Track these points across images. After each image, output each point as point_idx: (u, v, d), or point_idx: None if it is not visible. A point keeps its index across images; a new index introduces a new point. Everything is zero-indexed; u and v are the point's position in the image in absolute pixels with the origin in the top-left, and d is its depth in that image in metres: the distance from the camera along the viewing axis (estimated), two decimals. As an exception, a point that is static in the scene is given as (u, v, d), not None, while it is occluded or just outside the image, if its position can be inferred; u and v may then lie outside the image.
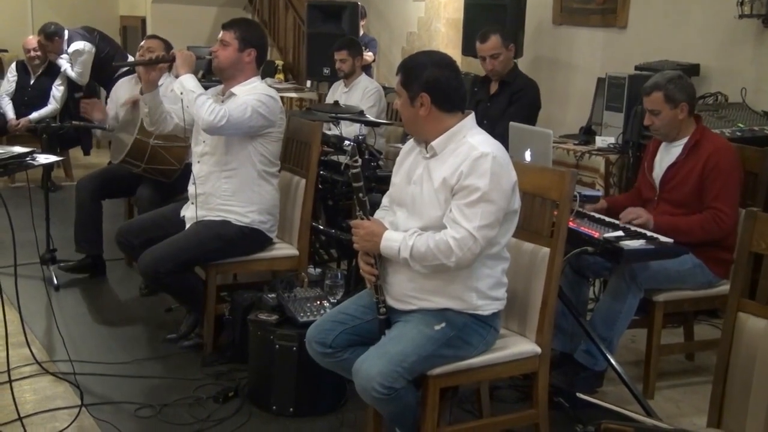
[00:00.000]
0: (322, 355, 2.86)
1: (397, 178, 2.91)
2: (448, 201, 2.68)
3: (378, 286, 2.81)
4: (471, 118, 2.80)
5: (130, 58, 7.25)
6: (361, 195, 2.82)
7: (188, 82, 3.75)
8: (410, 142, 2.92)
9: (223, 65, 3.88)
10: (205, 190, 3.89)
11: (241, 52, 3.86)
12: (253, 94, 3.79)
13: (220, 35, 3.89)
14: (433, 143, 2.75)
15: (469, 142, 2.70)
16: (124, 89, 5.26)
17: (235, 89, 3.87)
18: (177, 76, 3.82)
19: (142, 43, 5.12)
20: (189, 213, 3.95)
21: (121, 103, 5.09)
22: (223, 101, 3.85)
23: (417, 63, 2.78)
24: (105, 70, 7.25)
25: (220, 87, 4.01)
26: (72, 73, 7.41)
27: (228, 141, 3.82)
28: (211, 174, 3.88)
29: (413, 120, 2.79)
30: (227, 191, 3.87)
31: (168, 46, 4.91)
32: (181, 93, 3.75)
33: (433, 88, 2.72)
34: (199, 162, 3.94)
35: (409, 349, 2.65)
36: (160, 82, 4.04)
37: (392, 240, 2.73)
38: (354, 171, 2.81)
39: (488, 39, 4.99)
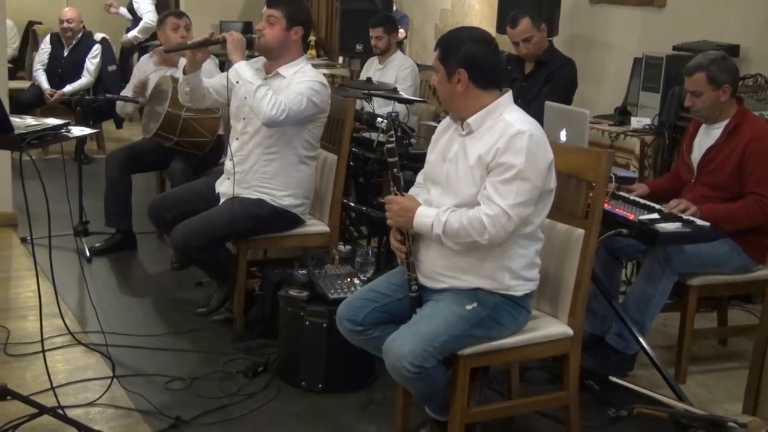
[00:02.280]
0: (353, 333, 2.85)
1: (432, 155, 2.89)
2: (483, 178, 2.66)
3: (410, 263, 2.79)
4: (508, 96, 2.77)
5: None
6: (395, 170, 2.80)
7: (245, 71, 3.63)
8: (446, 120, 2.89)
9: (271, 45, 3.77)
10: (243, 168, 3.85)
11: (288, 31, 3.77)
12: (304, 81, 3.72)
13: (267, 12, 3.78)
14: (469, 120, 2.73)
15: (506, 120, 2.67)
16: (150, 66, 5.28)
17: (281, 70, 3.80)
18: (223, 62, 3.76)
19: (175, 21, 5.10)
20: (224, 188, 3.93)
21: (135, 83, 5.11)
22: (266, 78, 3.79)
23: (455, 38, 2.75)
24: None
25: (261, 60, 3.91)
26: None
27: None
28: (251, 153, 3.84)
29: (450, 96, 2.76)
30: (267, 173, 3.84)
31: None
32: (237, 82, 3.62)
33: (471, 64, 2.69)
34: (238, 139, 3.88)
35: (441, 329, 2.64)
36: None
37: (426, 216, 2.71)
38: (389, 146, 2.80)
39: (518, 23, 4.92)
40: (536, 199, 2.66)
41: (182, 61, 4.89)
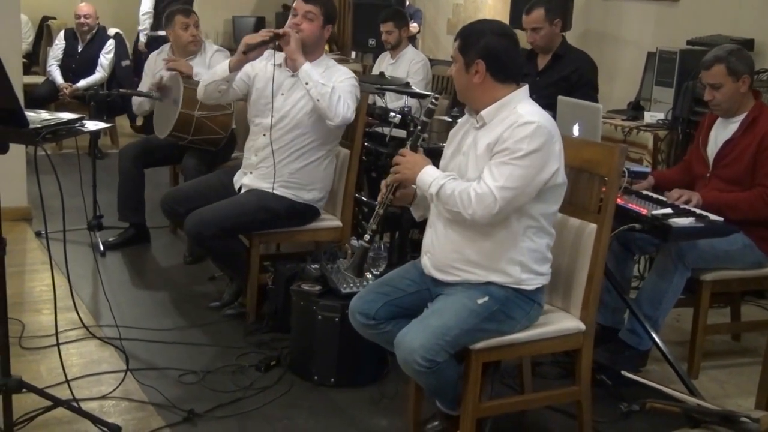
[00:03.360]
0: (365, 327, 2.86)
1: (448, 149, 2.92)
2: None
3: (378, 214, 2.86)
4: (524, 90, 2.78)
5: None
6: (418, 129, 2.88)
7: (314, 73, 3.68)
8: (465, 116, 2.90)
9: (308, 40, 3.76)
10: (269, 163, 3.84)
11: (323, 28, 3.82)
12: (345, 80, 3.78)
13: (304, 7, 3.76)
14: (483, 112, 2.74)
15: (518, 111, 2.69)
16: (160, 61, 5.24)
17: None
18: (285, 60, 3.76)
19: (184, 20, 5.08)
20: (247, 180, 3.94)
21: (155, 81, 5.06)
22: (292, 76, 3.79)
23: (476, 30, 2.77)
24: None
25: (281, 56, 3.84)
26: None
27: (316, 121, 3.77)
28: (281, 149, 3.83)
29: (466, 87, 2.78)
30: (297, 168, 3.85)
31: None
32: (306, 83, 3.66)
33: (490, 55, 2.71)
34: (264, 135, 3.85)
35: (452, 323, 2.64)
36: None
37: (429, 175, 2.75)
38: (430, 107, 2.89)
39: (532, 12, 4.91)
40: (529, 189, 2.65)
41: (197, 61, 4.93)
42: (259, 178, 3.89)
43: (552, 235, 2.82)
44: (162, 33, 7.53)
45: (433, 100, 2.91)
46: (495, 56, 2.72)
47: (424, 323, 2.67)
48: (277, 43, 3.69)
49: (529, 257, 2.75)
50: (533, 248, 2.76)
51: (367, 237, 2.89)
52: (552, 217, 2.79)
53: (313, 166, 3.88)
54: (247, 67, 3.83)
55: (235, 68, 3.75)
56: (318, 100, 3.65)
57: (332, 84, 3.69)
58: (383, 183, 2.91)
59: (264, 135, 3.86)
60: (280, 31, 3.69)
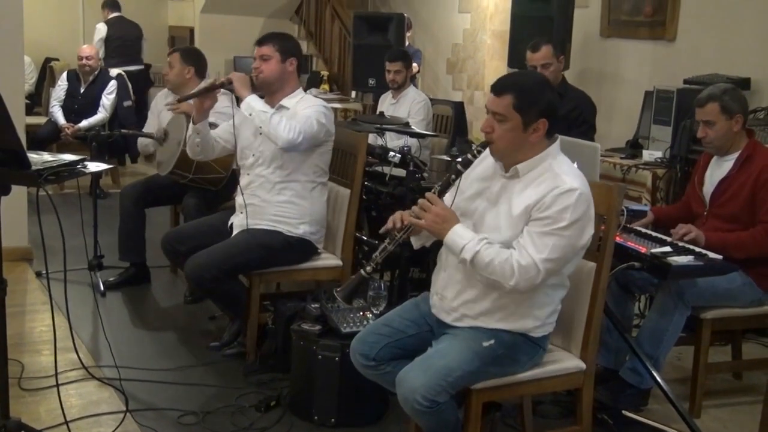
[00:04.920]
0: (366, 367, 2.85)
1: (468, 188, 2.80)
2: (522, 226, 2.64)
3: (385, 248, 2.75)
4: (557, 145, 2.73)
5: None
6: (453, 177, 2.71)
7: (256, 102, 3.78)
8: (484, 155, 2.77)
9: (270, 79, 3.90)
10: (254, 201, 3.92)
11: (284, 63, 3.90)
12: (310, 107, 3.85)
13: (259, 51, 3.92)
14: (519, 166, 2.68)
15: (555, 172, 2.64)
16: (164, 101, 5.29)
17: (284, 102, 3.91)
18: (237, 98, 3.86)
19: (169, 59, 5.13)
20: (237, 221, 3.98)
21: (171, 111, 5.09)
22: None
23: (532, 86, 2.68)
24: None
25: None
26: None
27: (287, 153, 3.84)
28: (262, 185, 3.91)
29: (518, 145, 2.67)
30: (281, 202, 3.89)
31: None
32: (250, 114, 3.77)
33: (552, 113, 2.66)
34: (248, 174, 3.96)
35: (455, 364, 2.63)
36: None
37: (461, 236, 2.64)
38: (470, 158, 2.70)
39: (540, 48, 4.93)
40: (570, 258, 2.64)
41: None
42: (248, 216, 3.92)
43: (566, 287, 2.81)
44: (114, 71, 7.66)
45: (476, 151, 2.71)
46: (555, 114, 2.67)
47: (427, 363, 2.65)
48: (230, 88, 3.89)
49: (543, 311, 2.74)
50: (548, 303, 2.75)
51: (369, 269, 2.80)
52: (571, 269, 2.78)
53: (296, 198, 3.90)
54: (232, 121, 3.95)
55: (197, 120, 3.90)
56: (260, 126, 3.76)
57: (273, 111, 3.77)
58: (397, 218, 2.76)
59: (248, 174, 3.96)
60: (223, 78, 3.91)
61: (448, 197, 2.81)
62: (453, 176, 2.72)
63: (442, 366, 2.61)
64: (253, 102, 3.78)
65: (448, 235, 2.66)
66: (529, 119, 2.63)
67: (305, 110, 3.83)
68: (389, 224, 2.78)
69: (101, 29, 8.81)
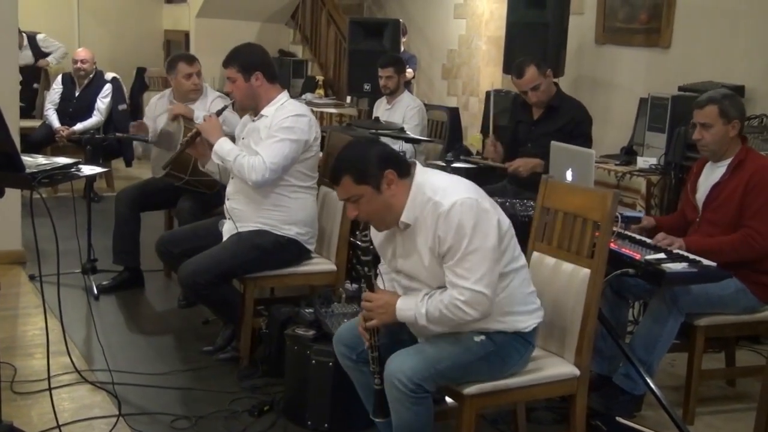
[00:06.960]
0: (346, 358, 2.90)
1: (383, 252, 2.86)
2: (441, 265, 2.65)
3: (374, 357, 2.75)
4: (421, 170, 2.73)
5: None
6: (366, 269, 2.76)
7: (221, 150, 3.85)
8: (372, 230, 2.82)
9: (243, 101, 3.94)
10: (240, 206, 3.92)
11: (249, 81, 3.87)
12: (276, 124, 3.79)
13: (225, 74, 3.94)
14: (403, 219, 2.68)
15: (432, 199, 2.63)
16: (161, 105, 5.24)
17: (264, 111, 3.90)
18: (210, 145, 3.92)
19: (187, 69, 5.08)
20: (226, 226, 3.98)
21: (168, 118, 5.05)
22: (254, 121, 3.91)
23: (358, 156, 2.68)
24: None
25: (245, 117, 4.08)
26: None
27: None
28: (246, 192, 3.90)
29: (386, 208, 2.68)
30: (266, 207, 3.89)
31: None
32: (220, 163, 3.87)
33: (389, 160, 2.67)
34: (233, 179, 3.96)
35: (445, 354, 2.66)
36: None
37: (407, 309, 2.69)
38: (363, 245, 2.76)
39: (524, 72, 4.75)
40: (498, 257, 2.63)
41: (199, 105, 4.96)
42: (236, 220, 3.91)
43: (517, 270, 2.76)
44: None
45: (363, 238, 2.77)
46: (393, 157, 2.71)
47: (418, 348, 2.70)
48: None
49: (511, 302, 2.74)
50: (511, 294, 2.74)
51: (377, 380, 2.76)
52: (512, 257, 2.74)
53: (281, 203, 3.89)
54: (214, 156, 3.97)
55: (204, 161, 4.12)
56: (237, 172, 3.82)
57: (236, 154, 3.80)
58: (362, 332, 2.78)
59: (232, 179, 3.97)
60: (192, 132, 4.06)
61: (378, 282, 2.87)
62: (367, 269, 2.76)
63: (433, 353, 2.65)
64: (219, 150, 3.86)
65: (397, 315, 2.70)
66: (376, 181, 2.64)
67: (276, 131, 3.79)
68: (365, 341, 2.79)
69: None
